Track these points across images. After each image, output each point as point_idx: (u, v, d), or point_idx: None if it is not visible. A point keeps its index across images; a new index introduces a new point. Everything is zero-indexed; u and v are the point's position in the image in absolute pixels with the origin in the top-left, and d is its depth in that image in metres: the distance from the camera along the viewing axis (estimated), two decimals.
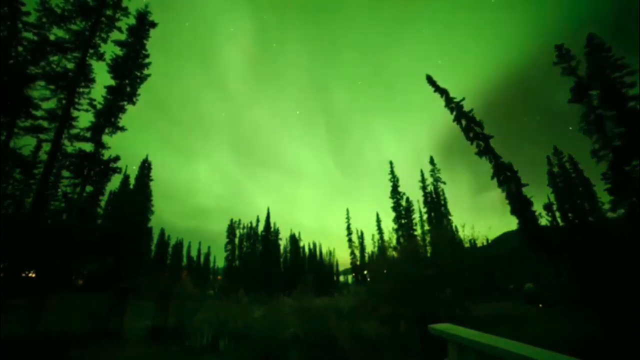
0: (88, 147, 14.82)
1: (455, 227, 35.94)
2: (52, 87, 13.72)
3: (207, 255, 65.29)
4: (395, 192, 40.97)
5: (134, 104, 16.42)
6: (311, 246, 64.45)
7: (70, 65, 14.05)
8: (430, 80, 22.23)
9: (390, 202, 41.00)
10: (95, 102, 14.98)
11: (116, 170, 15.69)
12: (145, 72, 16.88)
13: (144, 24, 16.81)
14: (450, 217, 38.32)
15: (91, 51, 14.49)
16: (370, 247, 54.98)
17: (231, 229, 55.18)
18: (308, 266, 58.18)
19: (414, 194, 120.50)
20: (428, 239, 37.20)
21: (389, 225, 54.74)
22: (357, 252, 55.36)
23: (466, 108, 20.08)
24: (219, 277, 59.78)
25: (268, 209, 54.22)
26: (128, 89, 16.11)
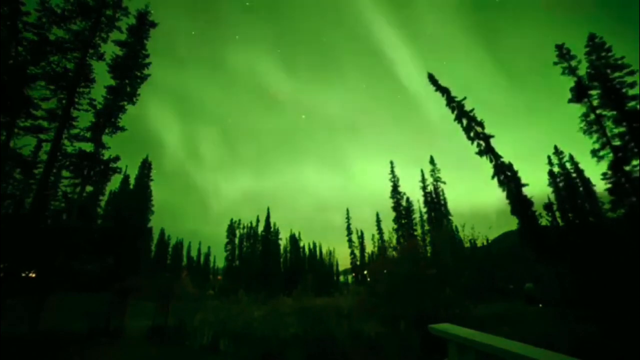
0: (88, 147, 14.82)
1: (455, 227, 35.99)
2: (52, 87, 13.72)
3: (207, 255, 65.36)
4: (395, 192, 40.98)
5: (134, 104, 16.41)
6: (311, 246, 64.51)
7: (70, 65, 14.05)
8: (431, 78, 22.23)
9: (390, 202, 41.05)
10: (95, 102, 14.97)
11: (116, 170, 15.67)
12: (145, 72, 16.88)
13: (144, 24, 16.79)
14: (450, 217, 38.34)
15: (91, 51, 14.49)
16: (370, 247, 55.03)
17: (231, 229, 55.19)
18: (308, 266, 58.17)
19: (414, 194, 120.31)
20: (428, 239, 37.30)
21: (389, 225, 54.80)
22: (357, 252, 55.38)
23: (467, 107, 20.09)
24: (219, 277, 59.80)
25: (268, 209, 54.27)
26: (128, 89, 16.10)
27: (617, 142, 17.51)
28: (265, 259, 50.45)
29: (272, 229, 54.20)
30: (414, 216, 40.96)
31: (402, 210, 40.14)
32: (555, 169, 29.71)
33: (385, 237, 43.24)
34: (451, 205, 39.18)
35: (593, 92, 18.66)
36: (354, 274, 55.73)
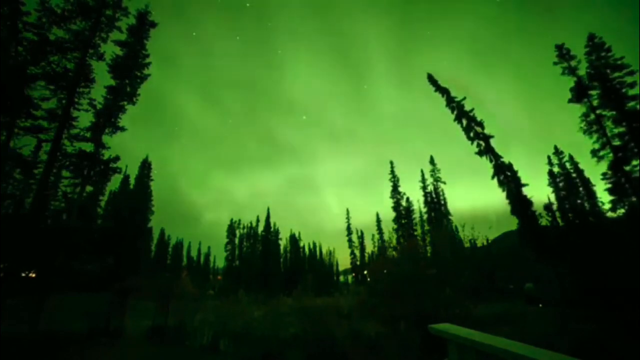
0: (88, 147, 14.81)
1: (455, 227, 36.01)
2: (52, 87, 13.70)
3: (207, 255, 65.35)
4: (395, 192, 40.97)
5: (134, 104, 16.41)
6: (311, 246, 64.47)
7: (70, 65, 14.04)
8: (431, 79, 22.22)
9: (390, 202, 41.03)
10: (95, 102, 14.95)
11: (116, 170, 15.66)
12: (145, 72, 16.88)
13: (144, 24, 16.79)
14: (450, 217, 38.34)
15: (91, 51, 14.48)
16: (370, 247, 55.01)
17: (231, 229, 55.17)
18: (308, 266, 58.15)
19: (414, 194, 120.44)
20: (428, 239, 37.29)
21: (389, 225, 54.79)
22: (357, 252, 55.38)
23: (467, 107, 20.07)
24: (219, 277, 59.80)
25: (268, 209, 54.25)
26: (128, 89, 16.10)
27: (617, 142, 17.51)
28: (265, 259, 50.43)
29: (272, 229, 54.18)
30: (414, 216, 40.95)
31: (402, 210, 40.12)
32: (555, 169, 29.70)
33: (385, 237, 43.33)
34: (451, 205, 39.23)
35: (593, 92, 18.66)
36: (354, 274, 55.72)
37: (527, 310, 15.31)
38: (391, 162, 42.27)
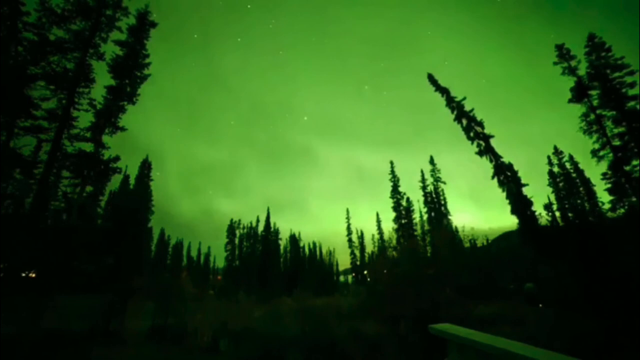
0: (88, 147, 14.81)
1: (455, 227, 36.00)
2: (52, 87, 13.70)
3: (207, 255, 65.32)
4: (395, 192, 40.97)
5: (134, 104, 16.41)
6: (311, 246, 64.42)
7: (70, 65, 14.04)
8: (431, 79, 22.22)
9: (390, 202, 41.02)
10: (95, 102, 14.94)
11: (116, 170, 15.65)
12: (146, 72, 16.86)
13: (144, 24, 16.79)
14: (450, 217, 38.34)
15: (91, 51, 14.48)
16: (370, 247, 54.98)
17: (231, 229, 55.17)
18: (308, 266, 58.11)
19: (414, 194, 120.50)
20: (428, 239, 37.30)
21: (389, 225, 54.81)
22: (357, 252, 55.38)
23: (467, 107, 20.07)
24: (219, 277, 59.79)
25: (268, 209, 54.23)
26: (128, 89, 16.09)
27: (617, 142, 17.52)
28: (265, 259, 50.40)
29: (272, 229, 54.14)
30: (414, 216, 40.94)
31: (402, 210, 40.11)
32: (555, 169, 29.72)
33: (385, 237, 43.38)
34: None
35: (593, 92, 18.66)
36: (354, 274, 55.73)
37: (527, 310, 15.30)
38: (391, 162, 42.31)
